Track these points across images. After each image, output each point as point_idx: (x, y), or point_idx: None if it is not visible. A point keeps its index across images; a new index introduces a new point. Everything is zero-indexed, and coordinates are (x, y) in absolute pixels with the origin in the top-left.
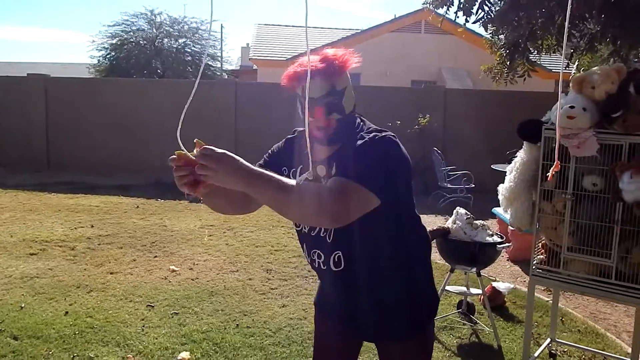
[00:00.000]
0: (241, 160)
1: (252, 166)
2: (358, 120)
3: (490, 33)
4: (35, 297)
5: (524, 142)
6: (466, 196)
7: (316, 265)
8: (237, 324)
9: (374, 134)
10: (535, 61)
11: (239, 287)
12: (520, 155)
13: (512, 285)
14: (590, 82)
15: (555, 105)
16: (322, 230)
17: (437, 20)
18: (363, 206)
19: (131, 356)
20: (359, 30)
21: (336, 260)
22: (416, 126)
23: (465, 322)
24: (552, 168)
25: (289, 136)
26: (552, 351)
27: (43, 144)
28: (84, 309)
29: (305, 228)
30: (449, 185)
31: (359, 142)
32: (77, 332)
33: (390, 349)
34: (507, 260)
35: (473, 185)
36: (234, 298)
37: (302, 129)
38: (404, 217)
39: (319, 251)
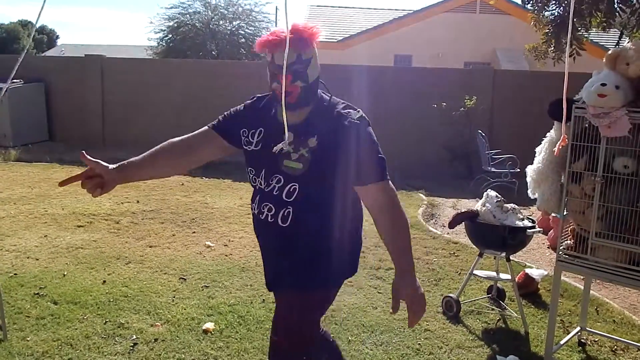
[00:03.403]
0: (408, 270)
1: (405, 259)
2: (322, 92)
3: (534, 9)
4: (78, 266)
5: (554, 121)
6: (511, 181)
7: (263, 217)
8: (264, 299)
9: (352, 113)
10: (585, 39)
11: None
12: (550, 135)
13: (546, 272)
14: (625, 58)
15: (588, 82)
16: (276, 188)
17: None
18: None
19: (159, 324)
20: (412, 11)
21: (285, 214)
22: (462, 108)
23: (493, 307)
24: (558, 142)
25: (248, 101)
26: (582, 340)
27: (99, 122)
28: (120, 278)
29: (261, 185)
30: (493, 169)
31: (351, 123)
32: (111, 300)
33: (299, 295)
34: (548, 247)
35: (518, 170)
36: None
37: (261, 94)
38: (353, 193)
39: (270, 204)
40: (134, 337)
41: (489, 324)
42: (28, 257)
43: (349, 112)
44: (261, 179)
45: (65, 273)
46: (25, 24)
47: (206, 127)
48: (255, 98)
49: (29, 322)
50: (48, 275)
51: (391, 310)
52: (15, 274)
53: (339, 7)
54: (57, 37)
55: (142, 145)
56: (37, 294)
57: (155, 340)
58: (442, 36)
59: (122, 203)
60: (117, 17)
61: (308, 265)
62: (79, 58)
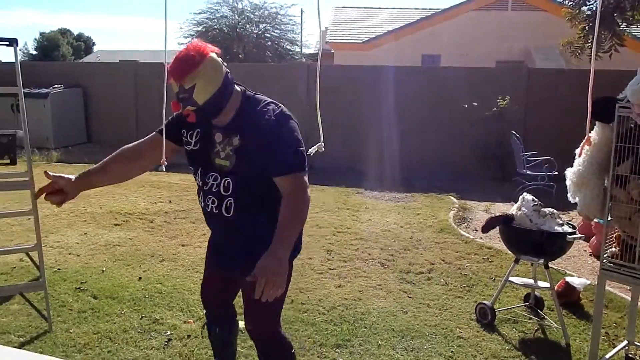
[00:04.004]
0: (276, 251)
1: (280, 243)
2: (243, 90)
3: (571, 4)
4: (115, 263)
5: (597, 122)
6: (548, 184)
7: (209, 210)
8: (292, 300)
9: (271, 109)
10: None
11: (298, 265)
12: (592, 136)
13: (588, 282)
14: None
15: (634, 79)
16: (214, 185)
17: None
18: (307, 181)
19: (191, 321)
20: (440, 10)
21: (227, 205)
22: (494, 108)
23: (531, 316)
24: (582, 143)
25: None
26: (630, 355)
27: (133, 124)
28: (155, 276)
29: (200, 182)
30: (528, 172)
31: (268, 120)
32: (147, 296)
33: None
34: (590, 255)
35: (556, 173)
36: (292, 275)
37: None
38: None
39: (213, 197)
40: (169, 332)
41: (527, 333)
42: (70, 253)
43: (268, 109)
44: (199, 177)
45: (104, 269)
46: (64, 32)
47: (154, 133)
48: None
49: (71, 315)
50: (88, 270)
51: (247, 278)
52: (58, 269)
53: (365, 7)
54: (94, 44)
55: None
56: (79, 288)
57: (189, 336)
58: (472, 34)
59: (155, 203)
60: (149, 24)
61: (257, 247)
62: (114, 64)
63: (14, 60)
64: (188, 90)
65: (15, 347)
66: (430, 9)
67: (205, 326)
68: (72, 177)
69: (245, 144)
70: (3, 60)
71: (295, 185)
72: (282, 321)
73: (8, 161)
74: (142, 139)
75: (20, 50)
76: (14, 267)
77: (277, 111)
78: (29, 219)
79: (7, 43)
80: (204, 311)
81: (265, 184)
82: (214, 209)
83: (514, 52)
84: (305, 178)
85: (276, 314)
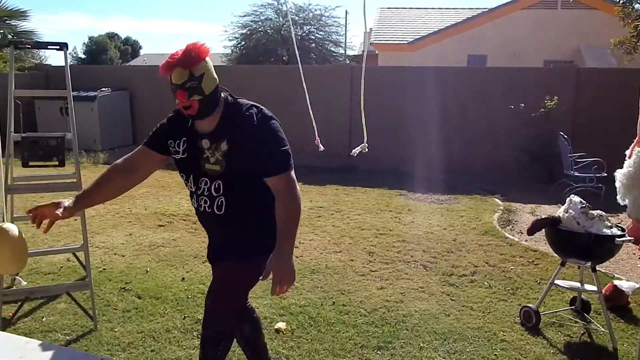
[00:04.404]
0: (282, 250)
1: (285, 241)
2: (226, 96)
3: (623, 1)
4: (159, 263)
5: None
6: (596, 186)
7: (202, 210)
8: (334, 302)
9: (254, 113)
10: None
11: (340, 267)
12: None
13: (637, 285)
14: None
15: None
16: (206, 189)
17: None
18: (295, 178)
19: None
20: (487, 9)
21: (219, 204)
22: (542, 109)
23: (577, 320)
24: (633, 144)
25: (170, 115)
26: None
27: None
28: (197, 276)
29: (192, 188)
30: (576, 174)
31: (254, 123)
32: (190, 297)
33: (235, 262)
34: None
35: (605, 174)
36: (333, 277)
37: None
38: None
39: (205, 198)
40: None
41: (572, 337)
42: (115, 254)
43: (251, 112)
44: (191, 182)
45: (148, 269)
46: (112, 36)
47: (142, 146)
48: (175, 111)
49: (116, 314)
50: (133, 271)
51: (261, 277)
52: (104, 269)
53: (409, 8)
54: (140, 47)
55: None
56: (123, 288)
57: None
58: (520, 34)
59: None
60: (194, 28)
61: (240, 241)
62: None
63: (63, 64)
64: (197, 78)
65: (62, 345)
66: (477, 8)
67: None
68: (67, 202)
69: (234, 148)
70: (54, 65)
71: (286, 184)
72: (323, 322)
73: (57, 163)
74: (130, 154)
75: (69, 54)
76: (61, 267)
77: (260, 115)
78: (76, 219)
79: (58, 47)
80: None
81: (253, 182)
82: (207, 208)
83: (563, 51)
84: (293, 175)
85: (238, 300)
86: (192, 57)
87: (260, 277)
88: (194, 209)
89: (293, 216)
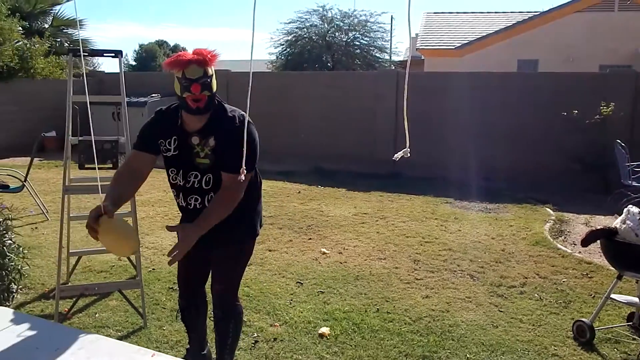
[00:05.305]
0: (198, 226)
1: (203, 222)
2: (217, 100)
3: None
4: None
5: None
6: None
7: (191, 207)
8: (378, 309)
9: (237, 116)
10: None
11: (385, 274)
12: None
13: None
14: None
15: None
16: (195, 182)
17: None
18: (247, 182)
19: (278, 324)
20: (538, 13)
21: (209, 199)
22: (597, 116)
23: (635, 337)
24: None
25: (154, 117)
26: None
27: None
28: (243, 279)
29: (180, 182)
30: (634, 184)
31: (235, 124)
32: None
33: (229, 247)
34: None
35: None
36: (378, 284)
37: (162, 108)
38: (253, 177)
39: (196, 196)
40: (255, 334)
41: (630, 355)
42: (164, 255)
43: (235, 115)
44: (180, 177)
45: None
46: (161, 44)
47: (133, 150)
48: (158, 113)
49: (164, 313)
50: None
51: (169, 229)
52: (153, 269)
53: (456, 12)
54: None
55: (270, 153)
56: (171, 288)
57: (275, 339)
58: (573, 38)
59: None
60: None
61: (232, 225)
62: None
63: (117, 71)
64: (209, 77)
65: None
66: (527, 12)
67: (179, 312)
68: (109, 207)
69: (219, 143)
70: (107, 71)
71: (231, 184)
72: (367, 328)
73: (111, 165)
74: (125, 161)
75: (122, 61)
76: (113, 266)
77: (242, 118)
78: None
79: (113, 55)
80: (179, 299)
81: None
82: (197, 205)
83: (620, 55)
84: (242, 179)
85: (238, 279)
86: (208, 58)
87: (167, 227)
88: (179, 207)
89: (222, 208)
